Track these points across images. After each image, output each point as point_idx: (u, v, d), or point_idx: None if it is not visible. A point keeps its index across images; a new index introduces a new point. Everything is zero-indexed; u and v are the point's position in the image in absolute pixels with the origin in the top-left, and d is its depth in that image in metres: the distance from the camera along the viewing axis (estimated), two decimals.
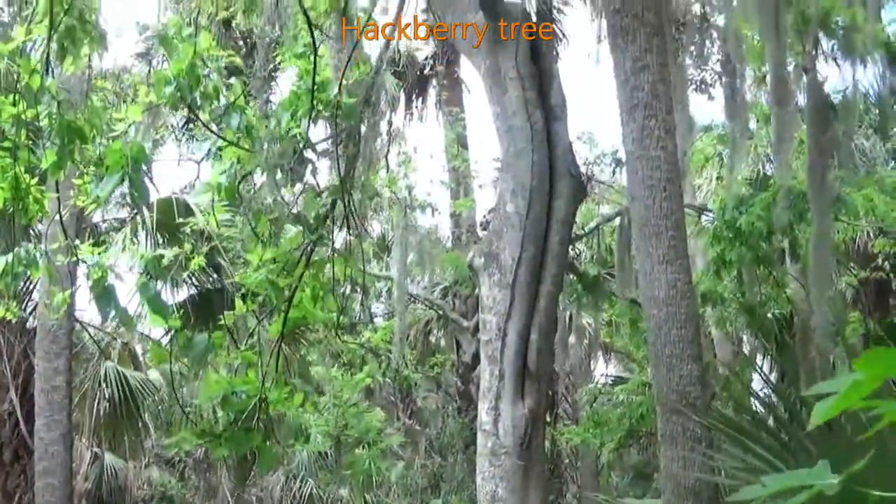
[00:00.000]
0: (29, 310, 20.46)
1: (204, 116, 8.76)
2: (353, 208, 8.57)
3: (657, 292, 10.62)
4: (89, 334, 24.45)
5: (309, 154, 8.72)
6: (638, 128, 10.70)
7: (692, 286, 11.22)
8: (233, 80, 8.70)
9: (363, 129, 8.68)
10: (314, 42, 7.79)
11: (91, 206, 9.51)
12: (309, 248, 8.38)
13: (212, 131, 8.58)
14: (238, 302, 9.06)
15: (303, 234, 8.46)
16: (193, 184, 23.74)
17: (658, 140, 10.81)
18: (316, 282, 8.35)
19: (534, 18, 12.02)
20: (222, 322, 9.47)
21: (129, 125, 8.56)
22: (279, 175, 8.45)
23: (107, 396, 23.28)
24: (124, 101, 11.24)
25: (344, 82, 8.58)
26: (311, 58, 8.03)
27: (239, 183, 8.66)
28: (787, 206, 15.05)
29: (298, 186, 8.95)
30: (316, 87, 7.78)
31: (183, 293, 21.56)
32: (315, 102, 7.79)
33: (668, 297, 10.55)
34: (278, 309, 8.47)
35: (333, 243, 8.62)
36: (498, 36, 11.15)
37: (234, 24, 21.52)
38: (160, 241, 19.27)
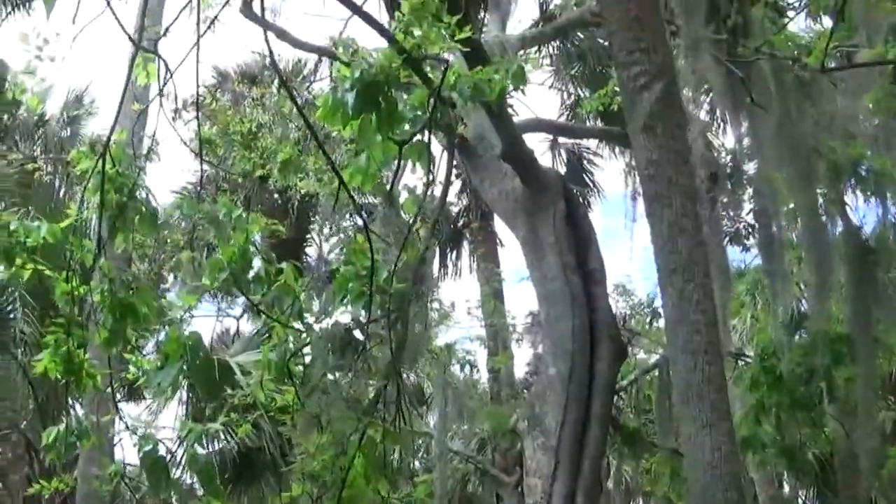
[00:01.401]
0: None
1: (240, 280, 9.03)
2: (404, 389, 8.75)
3: (701, 456, 10.56)
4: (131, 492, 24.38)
5: (358, 335, 8.94)
6: (677, 292, 10.77)
7: (736, 448, 11.20)
8: (284, 264, 8.89)
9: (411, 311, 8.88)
10: (368, 236, 8.03)
11: (142, 383, 9.69)
12: (362, 429, 8.52)
13: (264, 313, 8.82)
14: (294, 486, 9.21)
15: (356, 417, 8.60)
16: (233, 339, 24.03)
17: (697, 304, 10.85)
18: (369, 462, 8.47)
19: (567, 182, 12.35)
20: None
21: (186, 311, 8.79)
22: (330, 357, 8.66)
23: None
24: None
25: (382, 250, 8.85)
26: (359, 239, 8.27)
27: (288, 360, 8.85)
28: (825, 351, 15.10)
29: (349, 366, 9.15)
30: (365, 270, 8.01)
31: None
32: (365, 287, 8.02)
33: (713, 461, 10.49)
34: (333, 490, 8.57)
35: (386, 424, 8.75)
36: (535, 201, 11.41)
37: (270, 181, 21.92)
38: (202, 401, 19.38)
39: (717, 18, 12.03)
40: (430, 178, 7.49)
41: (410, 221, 8.59)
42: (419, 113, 6.84)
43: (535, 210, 11.33)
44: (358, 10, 7.49)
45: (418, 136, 7.08)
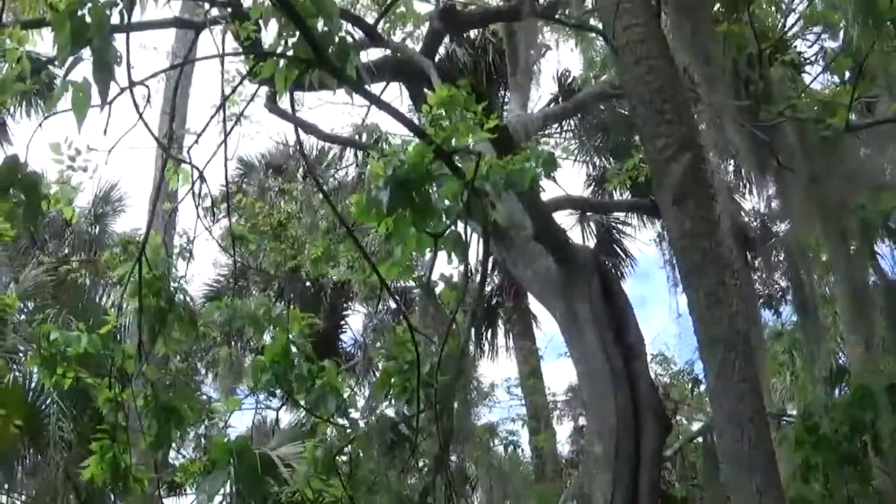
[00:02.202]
0: None
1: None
2: (452, 481, 8.72)
3: None
4: None
5: (404, 429, 8.92)
6: (718, 363, 10.70)
7: None
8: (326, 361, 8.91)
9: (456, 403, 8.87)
10: (411, 328, 8.04)
11: (188, 484, 9.68)
12: None
13: (309, 411, 8.82)
14: None
15: None
16: (272, 429, 23.92)
17: (740, 372, 10.78)
18: None
19: (599, 254, 12.40)
20: None
21: (230, 413, 8.80)
22: (377, 452, 8.66)
23: None
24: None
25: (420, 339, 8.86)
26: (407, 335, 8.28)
27: (335, 456, 8.85)
28: (867, 404, 14.97)
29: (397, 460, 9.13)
30: (407, 364, 8.03)
31: None
32: (408, 381, 8.03)
33: None
34: None
35: None
36: (569, 280, 11.43)
37: (301, 271, 21.97)
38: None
39: (738, 82, 12.07)
40: (467, 266, 7.47)
41: (450, 312, 8.58)
42: (452, 204, 6.87)
43: (571, 288, 11.34)
44: (387, 107, 7.54)
45: (452, 227, 7.10)
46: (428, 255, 8.32)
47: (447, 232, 6.97)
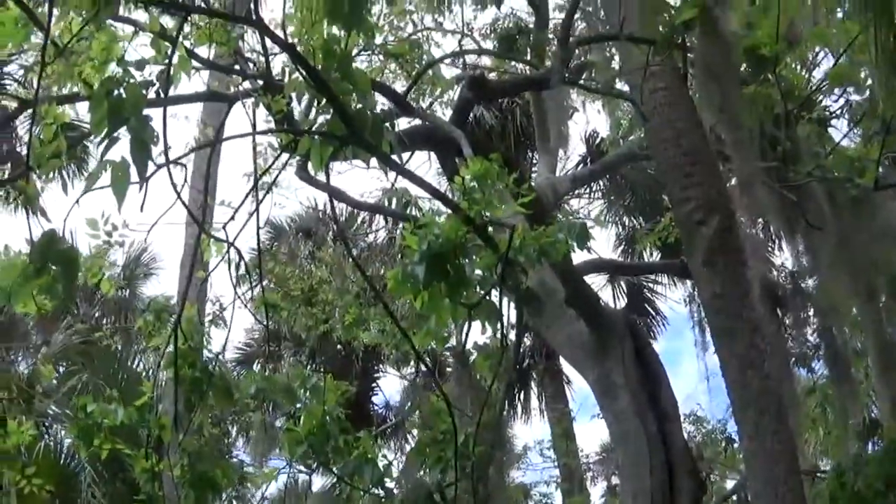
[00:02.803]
0: None
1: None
2: None
3: None
4: None
5: (439, 499, 8.91)
6: (752, 425, 10.69)
7: None
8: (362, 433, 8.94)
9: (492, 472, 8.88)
10: (447, 399, 8.07)
11: None
12: None
13: (345, 482, 8.83)
14: None
15: None
16: (304, 493, 23.87)
17: (774, 434, 10.76)
18: None
19: (630, 313, 12.42)
20: None
21: (266, 484, 8.83)
22: None
23: None
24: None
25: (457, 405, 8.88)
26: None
27: None
28: None
29: None
30: (442, 434, 8.06)
31: None
32: (443, 451, 8.05)
33: None
34: None
35: None
36: (602, 343, 11.43)
37: (333, 335, 21.98)
38: None
39: (765, 142, 12.10)
40: (504, 338, 7.51)
41: (484, 381, 8.61)
42: (486, 275, 6.93)
43: (603, 352, 11.35)
44: (421, 182, 7.63)
45: (486, 297, 7.14)
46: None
47: (481, 302, 7.01)
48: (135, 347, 23.67)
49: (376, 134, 6.05)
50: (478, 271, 7.00)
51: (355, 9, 6.02)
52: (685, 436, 11.89)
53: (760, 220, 18.98)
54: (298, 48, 6.48)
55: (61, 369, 22.35)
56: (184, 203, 7.08)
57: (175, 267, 22.44)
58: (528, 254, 6.80)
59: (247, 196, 8.06)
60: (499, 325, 7.27)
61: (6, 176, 9.21)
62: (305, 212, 26.22)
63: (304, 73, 6.09)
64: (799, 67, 15.06)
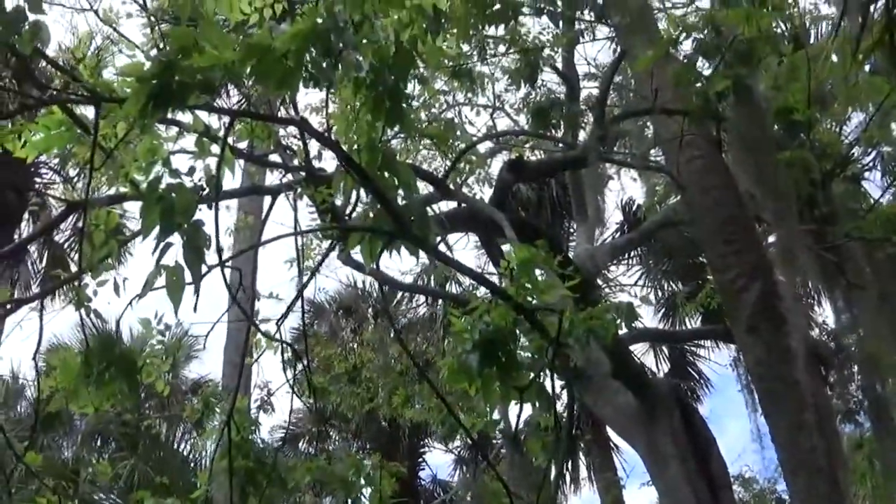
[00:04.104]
0: None
1: None
2: None
3: None
4: None
5: None
6: (803, 487, 10.65)
7: None
8: None
9: None
10: (501, 480, 8.11)
11: None
12: None
13: None
14: None
15: None
16: None
17: (824, 496, 10.72)
18: None
19: (674, 378, 12.47)
20: None
21: None
22: None
23: None
24: None
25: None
26: None
27: None
28: None
29: None
30: None
31: None
32: None
33: None
34: None
35: None
36: (650, 414, 11.45)
37: (378, 412, 22.07)
38: None
39: (803, 205, 12.16)
40: (557, 420, 7.56)
41: (536, 461, 8.65)
42: (536, 357, 6.98)
43: (652, 423, 11.37)
44: (469, 272, 7.72)
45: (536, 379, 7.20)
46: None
47: (531, 385, 7.06)
48: (180, 430, 23.86)
49: (423, 227, 6.16)
50: (527, 354, 7.07)
51: (396, 105, 6.16)
52: (735, 499, 11.87)
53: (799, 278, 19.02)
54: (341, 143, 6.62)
55: (105, 456, 22.54)
56: (240, 306, 7.20)
57: (217, 348, 22.63)
58: (577, 336, 6.87)
59: (295, 300, 8.17)
60: (550, 407, 7.32)
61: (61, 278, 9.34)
62: (345, 290, 26.42)
63: (349, 169, 6.20)
64: (829, 123, 15.18)
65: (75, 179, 26.06)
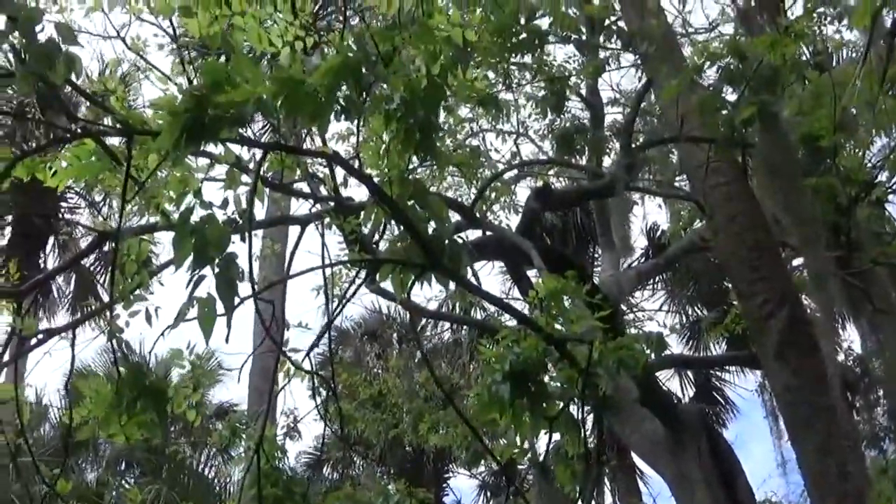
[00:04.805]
0: None
1: None
2: None
3: None
4: None
5: None
6: None
7: None
8: None
9: None
10: None
11: None
12: None
13: None
14: None
15: None
16: None
17: None
18: None
19: (700, 403, 12.49)
20: None
21: None
22: None
23: None
24: None
25: None
26: None
27: None
28: None
29: None
30: None
31: None
32: None
33: None
34: None
35: None
36: (677, 441, 11.44)
37: (402, 437, 22.05)
38: None
39: (828, 230, 12.14)
40: (587, 451, 7.55)
41: (564, 490, 8.63)
42: (566, 387, 7.00)
43: (679, 450, 11.37)
44: (500, 303, 7.75)
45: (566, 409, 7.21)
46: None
47: (561, 414, 7.07)
48: (205, 455, 23.88)
49: (455, 259, 6.19)
50: (556, 383, 7.09)
51: (427, 137, 6.20)
52: None
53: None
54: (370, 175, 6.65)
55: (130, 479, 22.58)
56: (273, 339, 7.23)
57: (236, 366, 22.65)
58: (607, 366, 6.88)
59: (321, 336, 8.20)
60: (580, 437, 7.32)
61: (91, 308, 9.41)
62: (370, 315, 26.44)
63: (381, 203, 6.23)
64: (852, 147, 15.16)
65: (101, 204, 26.27)
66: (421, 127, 6.09)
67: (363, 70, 5.80)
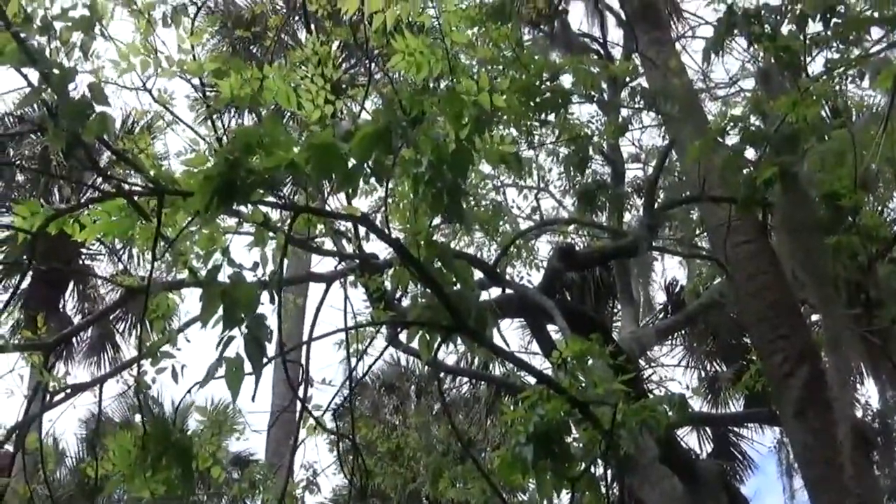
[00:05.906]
0: None
1: None
2: None
3: None
4: None
5: None
6: None
7: None
8: None
9: None
10: None
11: None
12: None
13: None
14: None
15: None
16: None
17: None
18: None
19: (718, 458, 12.49)
20: None
21: None
22: None
23: None
24: None
25: None
26: None
27: None
28: None
29: None
30: None
31: None
32: None
33: None
34: None
35: None
36: (696, 499, 11.44)
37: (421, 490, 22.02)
38: None
39: (849, 288, 12.16)
40: None
41: None
42: (589, 448, 7.04)
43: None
44: (527, 367, 7.78)
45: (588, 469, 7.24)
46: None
47: (583, 475, 7.11)
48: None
49: (481, 322, 6.25)
50: (579, 444, 7.13)
51: (455, 201, 6.27)
52: None
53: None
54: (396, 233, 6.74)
55: None
56: (300, 398, 7.30)
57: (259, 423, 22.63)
58: (630, 428, 6.93)
59: (343, 385, 8.26)
60: (601, 498, 7.35)
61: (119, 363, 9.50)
62: (388, 367, 26.41)
63: (409, 265, 6.29)
64: (873, 203, 15.19)
65: (121, 252, 26.45)
66: (449, 190, 6.16)
67: (392, 136, 5.87)
